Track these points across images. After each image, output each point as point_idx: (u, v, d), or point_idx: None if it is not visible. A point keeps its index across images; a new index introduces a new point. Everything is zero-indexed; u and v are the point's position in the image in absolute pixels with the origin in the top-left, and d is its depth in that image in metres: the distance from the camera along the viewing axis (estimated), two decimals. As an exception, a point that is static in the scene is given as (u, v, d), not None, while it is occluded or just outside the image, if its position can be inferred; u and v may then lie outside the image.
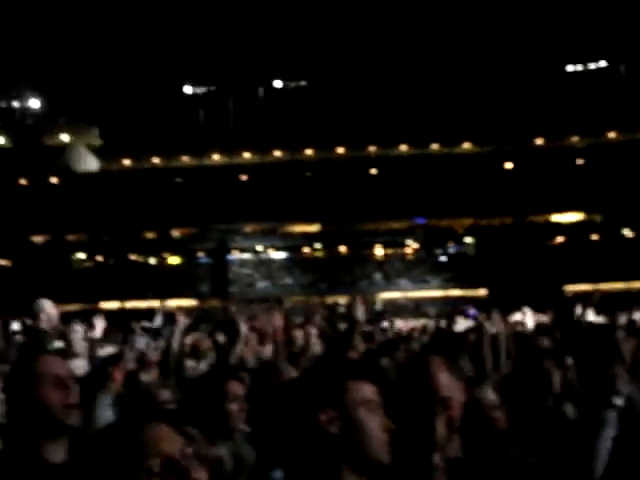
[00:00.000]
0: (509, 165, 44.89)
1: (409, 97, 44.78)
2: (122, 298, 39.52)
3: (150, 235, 42.31)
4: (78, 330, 7.48)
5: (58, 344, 6.40)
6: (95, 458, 1.75)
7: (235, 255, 42.99)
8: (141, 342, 7.46)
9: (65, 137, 42.81)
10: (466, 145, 46.02)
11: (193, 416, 2.76)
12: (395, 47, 45.65)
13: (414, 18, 47.08)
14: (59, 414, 1.97)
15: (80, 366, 5.01)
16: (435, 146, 45.93)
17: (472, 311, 13.29)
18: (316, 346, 5.79)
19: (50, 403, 1.97)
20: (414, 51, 45.59)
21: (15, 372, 2.09)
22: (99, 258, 42.18)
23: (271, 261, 43.81)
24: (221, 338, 8.10)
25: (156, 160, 43.49)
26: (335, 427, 1.56)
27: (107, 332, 8.48)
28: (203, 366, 5.53)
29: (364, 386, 1.62)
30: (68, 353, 6.41)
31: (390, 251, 44.75)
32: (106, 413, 3.73)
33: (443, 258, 45.31)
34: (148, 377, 4.87)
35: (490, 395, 2.96)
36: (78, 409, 2.05)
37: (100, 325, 8.14)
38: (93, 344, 7.26)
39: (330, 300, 37.40)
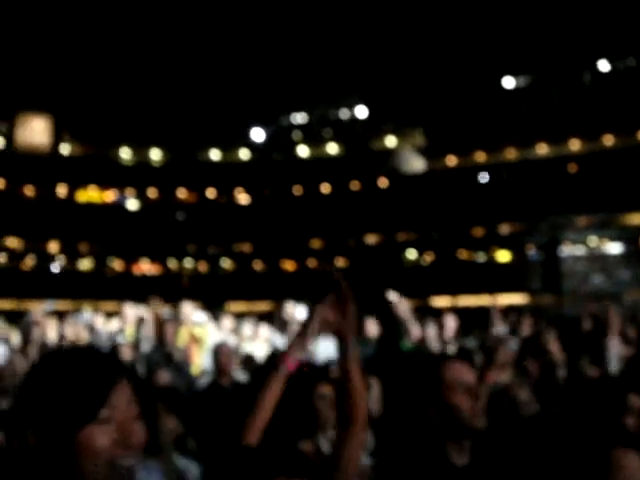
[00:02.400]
0: None
1: None
2: (452, 294, 40.84)
3: (478, 232, 43.13)
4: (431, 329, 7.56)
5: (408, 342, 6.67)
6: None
7: (567, 249, 42.18)
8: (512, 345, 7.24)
9: (391, 141, 45.45)
10: None
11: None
12: None
13: None
14: (468, 419, 2.07)
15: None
16: None
17: None
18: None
19: (460, 409, 2.06)
20: None
21: (423, 376, 2.18)
22: (429, 256, 43.91)
23: (606, 254, 42.28)
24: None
25: (481, 156, 44.34)
26: None
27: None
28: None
29: None
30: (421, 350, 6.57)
31: None
32: None
33: None
34: (503, 377, 4.90)
35: None
36: (483, 414, 2.11)
37: (451, 324, 8.05)
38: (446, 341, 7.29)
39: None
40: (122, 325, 8.80)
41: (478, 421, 2.09)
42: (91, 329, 9.05)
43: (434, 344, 6.98)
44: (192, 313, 8.65)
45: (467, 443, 2.14)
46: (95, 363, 1.34)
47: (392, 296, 7.20)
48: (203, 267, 47.06)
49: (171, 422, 3.42)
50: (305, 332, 2.18)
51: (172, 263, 47.20)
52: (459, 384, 2.10)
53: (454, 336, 8.06)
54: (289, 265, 45.64)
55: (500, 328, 8.64)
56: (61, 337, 8.91)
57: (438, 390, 2.10)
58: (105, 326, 9.54)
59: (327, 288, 2.10)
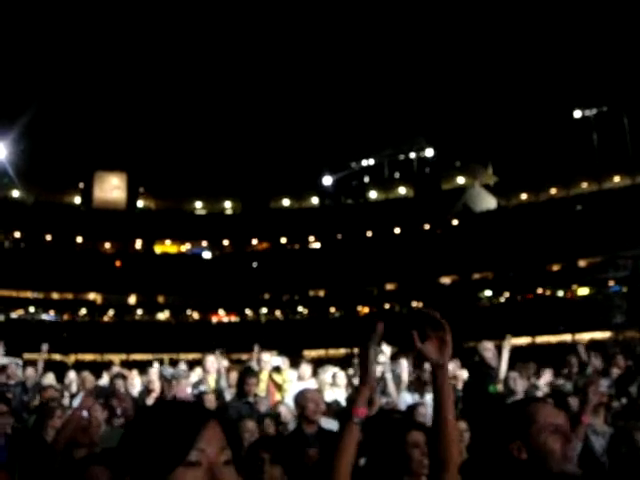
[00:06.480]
0: None
1: None
2: (532, 333, 41.42)
3: (556, 267, 43.84)
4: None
5: (499, 387, 6.86)
6: None
7: (650, 281, 42.33)
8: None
9: (461, 180, 46.94)
10: None
11: None
12: None
13: None
14: (558, 464, 2.00)
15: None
16: None
17: None
18: None
19: (550, 452, 2.00)
20: None
21: (510, 417, 2.13)
22: (506, 294, 44.81)
23: (690, 285, 42.24)
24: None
25: (553, 190, 45.28)
26: None
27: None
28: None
29: None
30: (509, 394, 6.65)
31: None
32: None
33: None
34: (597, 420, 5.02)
35: None
36: (573, 459, 2.11)
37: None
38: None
39: None
40: (204, 375, 9.10)
41: (569, 465, 2.03)
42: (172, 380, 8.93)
43: (519, 386, 6.96)
44: (270, 360, 9.02)
45: None
46: (182, 410, 1.42)
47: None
48: (279, 314, 49.03)
49: (276, 472, 3.48)
50: (367, 377, 2.14)
51: (248, 311, 49.36)
52: (550, 426, 2.03)
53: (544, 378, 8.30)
54: (364, 309, 47.14)
55: (590, 368, 8.55)
56: (144, 389, 9.29)
57: (528, 432, 2.03)
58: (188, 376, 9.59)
59: (421, 324, 2.11)
